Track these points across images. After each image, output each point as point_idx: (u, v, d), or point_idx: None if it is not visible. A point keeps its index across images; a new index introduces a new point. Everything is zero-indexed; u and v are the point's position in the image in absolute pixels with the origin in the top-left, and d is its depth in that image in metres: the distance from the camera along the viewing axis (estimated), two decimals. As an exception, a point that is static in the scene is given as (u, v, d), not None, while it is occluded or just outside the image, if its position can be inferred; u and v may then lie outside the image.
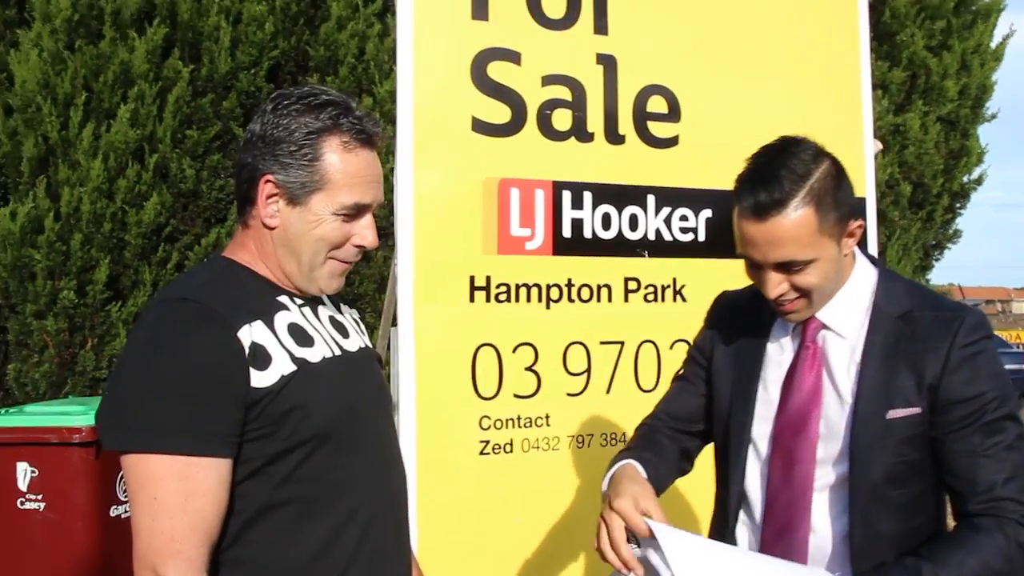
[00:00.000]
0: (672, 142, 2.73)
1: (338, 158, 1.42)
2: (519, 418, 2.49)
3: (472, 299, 2.45)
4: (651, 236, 2.69)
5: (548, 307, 2.55)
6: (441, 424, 2.39)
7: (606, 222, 2.64)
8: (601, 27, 2.65)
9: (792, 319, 1.62)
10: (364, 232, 1.47)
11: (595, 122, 2.62)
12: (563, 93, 2.59)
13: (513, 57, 2.53)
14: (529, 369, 2.51)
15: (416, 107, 2.41)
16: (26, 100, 4.59)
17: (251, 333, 1.36)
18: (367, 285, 5.38)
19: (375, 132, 1.47)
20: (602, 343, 2.61)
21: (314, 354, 1.44)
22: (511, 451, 2.47)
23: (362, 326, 1.67)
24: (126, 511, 3.61)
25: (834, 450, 1.60)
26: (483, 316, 2.46)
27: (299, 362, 1.40)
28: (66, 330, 4.65)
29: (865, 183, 3.02)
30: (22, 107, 4.62)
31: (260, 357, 1.35)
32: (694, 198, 2.74)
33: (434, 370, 2.39)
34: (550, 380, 2.53)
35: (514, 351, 2.50)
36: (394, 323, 2.44)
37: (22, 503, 3.46)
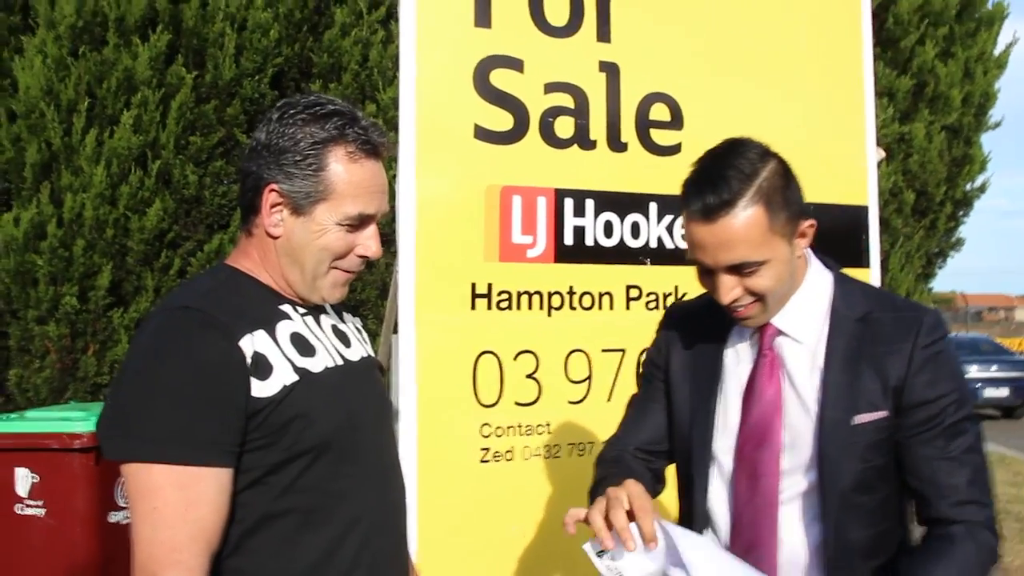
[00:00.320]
0: (675, 150, 2.72)
1: (343, 168, 1.42)
2: (520, 426, 2.49)
3: (473, 306, 2.45)
4: (653, 244, 2.69)
5: (549, 315, 2.54)
6: (442, 431, 2.38)
7: (608, 230, 2.63)
8: (604, 35, 2.65)
9: (748, 324, 1.59)
10: (368, 242, 1.46)
11: (597, 130, 2.62)
12: (566, 101, 2.59)
13: (516, 64, 2.53)
14: (530, 377, 2.51)
15: (418, 114, 2.41)
16: (30, 106, 4.61)
17: (253, 342, 1.36)
18: (369, 292, 5.38)
19: (380, 142, 1.46)
20: (603, 351, 2.61)
21: (316, 364, 1.43)
22: (512, 459, 2.47)
23: (364, 335, 1.67)
24: (125, 517, 3.60)
25: (801, 459, 1.57)
26: (484, 323, 2.46)
27: (301, 372, 1.40)
28: (68, 336, 4.65)
29: (868, 191, 3.02)
30: (26, 113, 4.63)
31: (261, 367, 1.35)
32: (696, 206, 2.73)
33: (435, 377, 2.38)
34: (551, 388, 2.53)
35: (515, 359, 2.49)
36: (395, 330, 2.43)
37: (21, 509, 3.46)
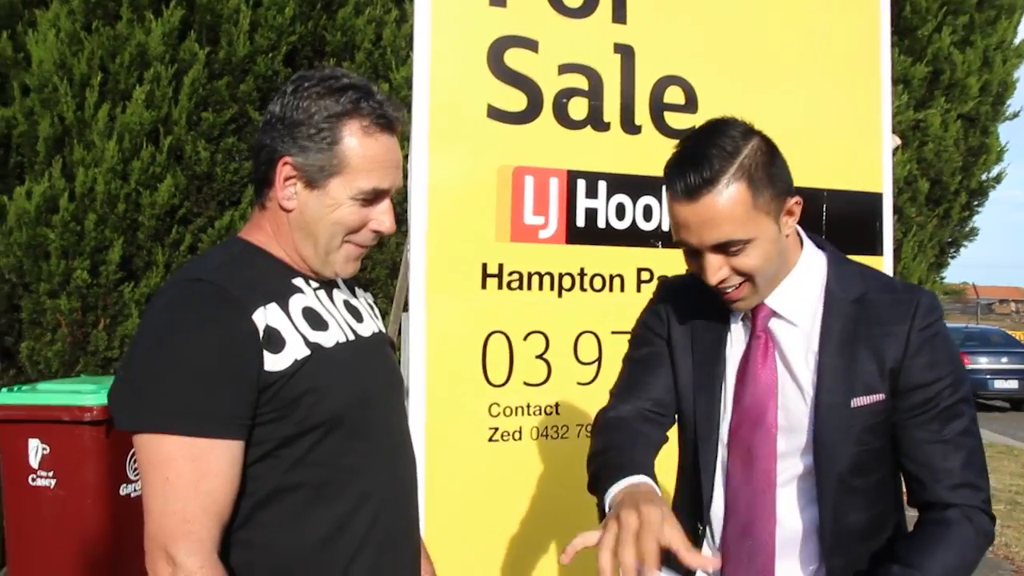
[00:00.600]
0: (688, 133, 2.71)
1: (357, 142, 1.41)
2: (528, 406, 2.49)
3: (484, 286, 2.45)
4: (665, 227, 2.68)
5: (560, 296, 2.54)
6: (451, 410, 2.39)
7: (620, 212, 2.63)
8: (620, 16, 2.63)
9: (739, 307, 1.56)
10: (382, 217, 1.45)
11: (611, 112, 2.61)
12: (580, 82, 2.57)
13: (530, 45, 2.52)
14: (540, 357, 2.51)
15: (432, 93, 2.40)
16: (43, 80, 4.60)
17: (266, 316, 1.36)
18: (379, 270, 5.38)
19: (395, 117, 1.45)
20: (613, 333, 2.61)
21: (328, 338, 1.43)
22: (520, 438, 2.48)
23: (376, 311, 1.67)
24: (136, 490, 3.63)
25: (797, 442, 1.56)
26: (495, 303, 2.46)
27: (313, 346, 1.40)
28: (79, 309, 4.67)
29: (883, 178, 3.00)
30: (39, 87, 4.62)
31: (274, 340, 1.35)
32: (709, 190, 2.72)
33: (445, 356, 2.39)
34: (560, 369, 2.53)
35: (525, 339, 2.49)
36: (405, 308, 2.44)
37: (33, 480, 3.49)
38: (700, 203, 1.44)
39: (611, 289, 2.61)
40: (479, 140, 2.46)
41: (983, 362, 13.83)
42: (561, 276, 2.55)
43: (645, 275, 2.66)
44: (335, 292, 1.54)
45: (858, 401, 1.52)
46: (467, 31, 2.45)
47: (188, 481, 1.27)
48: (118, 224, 4.68)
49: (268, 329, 1.35)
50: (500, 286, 2.47)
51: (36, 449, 3.50)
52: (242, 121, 5.08)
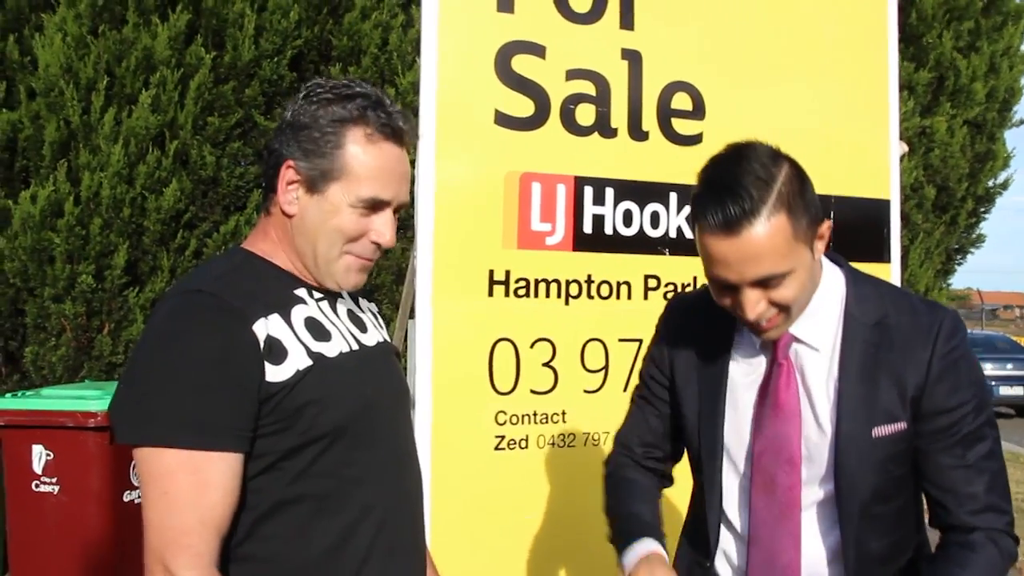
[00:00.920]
0: (696, 140, 2.70)
1: (360, 149, 1.40)
2: (535, 414, 2.48)
3: (491, 293, 2.44)
4: (672, 234, 2.67)
5: (567, 303, 2.53)
6: (457, 418, 2.38)
7: (627, 219, 2.61)
8: (627, 22, 2.62)
9: (770, 337, 1.50)
10: (382, 229, 1.42)
11: (619, 118, 2.60)
12: (587, 88, 2.57)
13: (538, 50, 2.51)
14: (546, 365, 2.50)
15: (439, 99, 2.39)
16: (49, 84, 4.61)
17: (267, 327, 1.34)
18: (384, 276, 5.37)
19: (403, 128, 1.44)
20: (620, 340, 2.59)
21: (331, 348, 1.42)
22: (526, 447, 2.46)
23: (380, 321, 1.65)
24: (139, 497, 3.61)
25: (818, 471, 1.53)
26: (501, 310, 2.44)
27: (315, 356, 1.38)
28: (84, 314, 4.67)
29: (890, 185, 2.98)
30: (45, 91, 4.63)
31: (276, 351, 1.34)
32: (717, 197, 2.71)
33: (451, 363, 2.38)
34: (567, 376, 2.52)
35: (532, 346, 2.48)
36: (412, 315, 2.43)
37: (36, 486, 3.48)
38: (741, 237, 1.36)
39: (618, 296, 2.60)
40: (486, 146, 2.45)
41: (988, 368, 13.75)
42: (568, 283, 2.53)
43: (652, 282, 2.65)
44: (339, 303, 1.52)
45: (880, 431, 1.49)
46: (474, 36, 2.44)
47: (187, 494, 1.26)
48: (123, 228, 4.68)
49: (269, 339, 1.33)
50: (507, 293, 2.46)
51: (40, 455, 3.49)
52: (247, 126, 5.08)
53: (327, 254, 1.42)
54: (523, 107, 2.48)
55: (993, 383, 13.68)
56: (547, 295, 2.51)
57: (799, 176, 1.44)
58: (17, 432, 3.49)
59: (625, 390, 2.59)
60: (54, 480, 3.52)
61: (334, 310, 1.50)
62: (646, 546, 1.55)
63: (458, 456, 2.38)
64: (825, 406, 1.52)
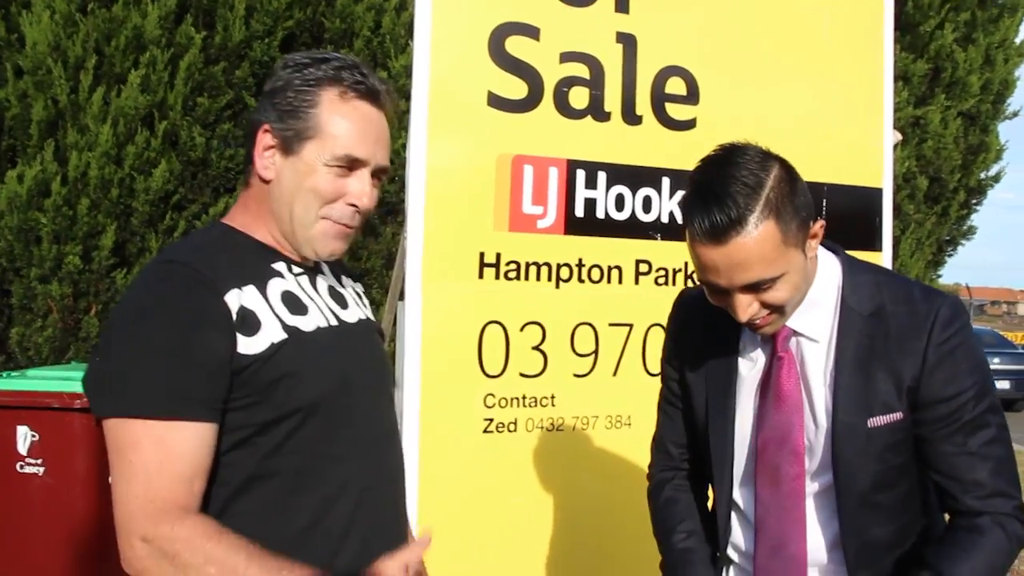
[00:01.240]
0: (689, 124, 2.68)
1: (334, 108, 1.38)
2: (524, 397, 2.46)
3: (481, 276, 2.42)
4: (664, 219, 2.65)
5: (558, 286, 2.51)
6: (445, 400, 2.36)
7: (619, 203, 2.60)
8: (622, 5, 2.59)
9: (765, 332, 1.52)
10: (358, 190, 1.41)
11: (612, 101, 2.58)
12: (581, 71, 2.54)
13: (532, 32, 2.48)
14: (536, 348, 2.48)
15: (432, 79, 2.37)
16: (36, 62, 4.55)
17: (240, 298, 1.32)
18: (374, 260, 5.35)
19: (379, 88, 1.42)
20: (611, 325, 2.58)
21: (307, 323, 1.39)
22: (515, 430, 2.45)
23: (364, 299, 1.63)
24: (126, 478, 3.59)
25: (817, 462, 1.54)
26: (491, 293, 2.43)
27: (290, 330, 1.36)
28: (70, 295, 4.63)
29: (883, 174, 2.97)
30: (32, 69, 4.57)
31: (249, 323, 1.31)
32: (710, 182, 2.69)
33: (440, 346, 2.36)
34: (557, 360, 2.50)
35: (522, 330, 2.46)
36: (401, 297, 2.41)
37: (22, 467, 3.45)
38: (728, 246, 1.37)
39: (609, 281, 2.58)
40: (478, 128, 2.42)
41: (976, 363, 13.81)
42: (559, 267, 2.52)
43: (643, 267, 2.63)
44: (319, 278, 1.50)
45: (875, 421, 1.49)
46: (468, 17, 2.41)
47: (153, 463, 1.23)
48: (111, 209, 4.64)
49: (242, 311, 1.31)
50: (497, 276, 2.44)
51: (25, 436, 3.46)
52: (238, 107, 5.03)
53: (303, 217, 1.40)
54: (516, 89, 2.46)
55: (980, 377, 13.71)
56: (538, 278, 2.49)
57: (789, 179, 1.43)
58: (2, 413, 3.46)
59: (615, 375, 2.59)
60: (39, 462, 3.49)
61: (313, 285, 1.47)
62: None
63: (447, 439, 2.37)
64: (822, 397, 1.52)
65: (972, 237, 6.68)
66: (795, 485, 1.54)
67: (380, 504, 1.44)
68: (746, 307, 1.43)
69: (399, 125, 5.12)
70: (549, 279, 2.50)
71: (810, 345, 1.54)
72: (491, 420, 2.42)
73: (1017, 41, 6.55)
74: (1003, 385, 14.01)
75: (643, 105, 2.62)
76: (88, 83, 4.57)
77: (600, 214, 2.57)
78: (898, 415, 1.49)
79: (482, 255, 2.42)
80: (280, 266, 1.43)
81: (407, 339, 2.33)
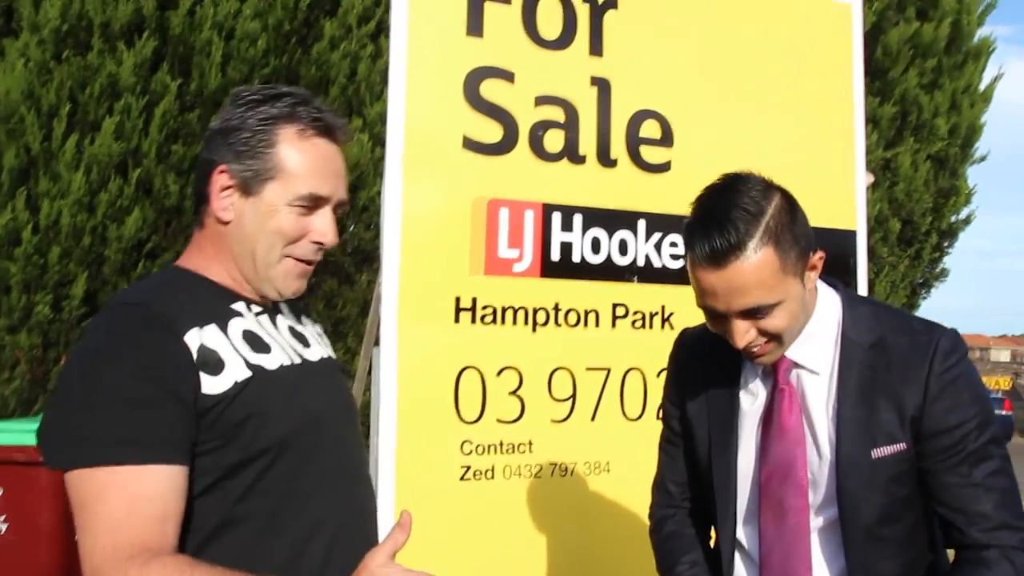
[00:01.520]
0: (664, 167, 2.69)
1: (294, 146, 1.37)
2: (502, 444, 2.42)
3: (457, 320, 2.39)
4: (640, 262, 2.64)
5: (534, 331, 2.49)
6: (422, 447, 2.32)
7: (595, 246, 2.59)
8: (596, 49, 2.62)
9: (762, 363, 1.54)
10: (322, 227, 1.40)
11: (587, 144, 2.59)
12: (556, 114, 2.55)
13: (507, 76, 2.49)
14: (513, 394, 2.45)
15: (407, 123, 2.36)
16: (9, 110, 4.52)
17: (201, 337, 1.28)
18: (350, 308, 5.31)
19: (335, 124, 1.41)
20: (588, 369, 2.55)
21: (271, 361, 1.36)
22: (492, 477, 2.40)
23: (325, 339, 1.60)
24: (93, 532, 3.49)
25: (821, 495, 1.53)
26: (468, 338, 2.40)
27: (255, 368, 1.32)
28: (40, 346, 4.55)
29: (857, 217, 2.99)
30: (5, 117, 4.54)
31: (211, 363, 1.28)
32: (685, 225, 2.70)
33: (416, 392, 2.32)
34: (534, 405, 2.47)
35: (498, 375, 2.43)
36: (376, 343, 2.37)
37: (-15, 523, 3.35)
38: (727, 270, 1.39)
39: (586, 324, 2.56)
40: (454, 171, 2.42)
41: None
42: (535, 311, 2.49)
43: (620, 310, 2.61)
44: (279, 318, 1.48)
45: (879, 452, 1.49)
46: (443, 61, 2.42)
47: (120, 512, 1.17)
48: (83, 258, 4.59)
49: (204, 350, 1.28)
50: (473, 320, 2.41)
51: (-12, 491, 3.36)
52: (213, 155, 5.01)
53: (266, 258, 1.38)
54: (491, 132, 2.46)
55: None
56: (514, 322, 2.46)
57: (790, 208, 1.46)
58: (-35, 467, 3.36)
59: (593, 419, 2.55)
60: (3, 518, 3.39)
61: (274, 324, 1.45)
62: None
63: (423, 486, 2.31)
64: (824, 429, 1.52)
65: (945, 279, 6.76)
66: (800, 519, 1.53)
67: (354, 542, 1.39)
68: (743, 333, 1.45)
69: (375, 172, 5.13)
70: (526, 323, 2.48)
71: (811, 377, 1.55)
72: (468, 467, 2.38)
73: (981, 87, 6.70)
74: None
75: (618, 148, 2.63)
76: (61, 131, 4.55)
77: (576, 257, 2.56)
78: (901, 445, 1.49)
79: (458, 299, 2.39)
80: (239, 306, 1.40)
81: (382, 385, 2.29)
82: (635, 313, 2.63)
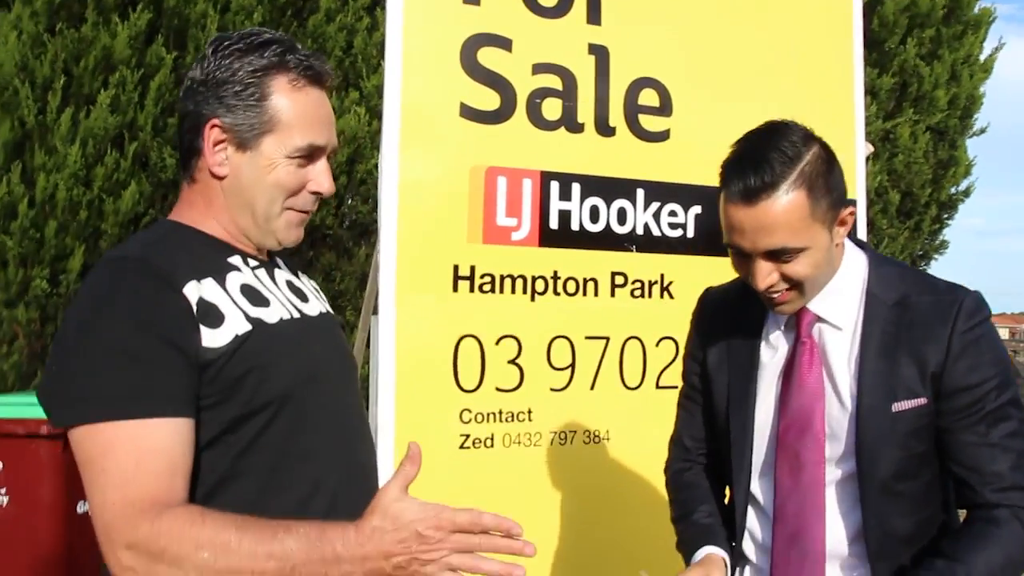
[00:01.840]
0: (663, 136, 2.68)
1: (287, 97, 1.35)
2: (501, 412, 2.42)
3: (455, 289, 2.38)
4: (639, 231, 2.64)
5: (533, 299, 2.48)
6: (421, 416, 2.32)
7: (594, 215, 2.58)
8: (594, 17, 2.60)
9: (782, 311, 1.55)
10: (320, 178, 1.39)
11: (585, 113, 2.57)
12: (554, 82, 2.53)
13: (504, 44, 2.47)
14: (512, 362, 2.45)
15: (404, 91, 2.35)
16: (3, 83, 4.48)
17: (199, 290, 1.27)
18: (348, 282, 5.30)
19: (323, 70, 1.40)
20: (587, 338, 2.55)
21: (270, 315, 1.35)
22: (492, 446, 2.41)
23: (322, 294, 1.59)
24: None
25: (838, 448, 1.54)
26: (466, 307, 2.39)
27: (255, 321, 1.31)
28: (37, 320, 4.54)
29: (857, 188, 2.98)
30: (-1, 90, 4.51)
31: (211, 315, 1.26)
32: (684, 193, 2.69)
33: (415, 360, 2.32)
34: (533, 374, 2.47)
35: (497, 343, 2.43)
36: (375, 312, 2.37)
37: (-15, 495, 3.36)
38: (757, 207, 1.42)
39: (584, 293, 2.56)
40: (451, 140, 2.40)
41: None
42: (534, 279, 2.49)
43: (619, 279, 2.61)
44: (276, 272, 1.46)
45: (900, 405, 1.50)
46: (440, 29, 2.40)
47: (128, 467, 1.16)
48: (80, 232, 4.57)
49: (203, 303, 1.26)
50: (472, 289, 2.40)
51: (-12, 463, 3.38)
52: (209, 128, 4.98)
53: (268, 211, 1.37)
54: (489, 100, 2.44)
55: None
56: (513, 291, 2.46)
57: (827, 160, 1.48)
58: (-35, 440, 3.37)
59: (592, 388, 2.56)
60: (3, 491, 3.40)
61: (272, 278, 1.43)
62: (704, 552, 1.62)
63: (423, 455, 2.31)
64: (846, 383, 1.54)
65: (945, 251, 6.75)
66: (816, 472, 1.54)
67: (355, 500, 1.38)
68: (765, 275, 1.47)
69: (372, 145, 5.10)
70: (524, 292, 2.48)
71: (834, 332, 1.56)
72: (467, 436, 2.38)
73: (982, 58, 6.66)
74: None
75: (616, 117, 2.61)
76: (56, 104, 4.51)
77: (575, 226, 2.55)
78: (922, 400, 1.50)
79: (456, 268, 2.39)
80: (236, 260, 1.38)
81: (381, 354, 2.29)
82: (634, 282, 2.63)
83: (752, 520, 1.66)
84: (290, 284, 1.48)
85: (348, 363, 1.52)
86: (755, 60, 2.81)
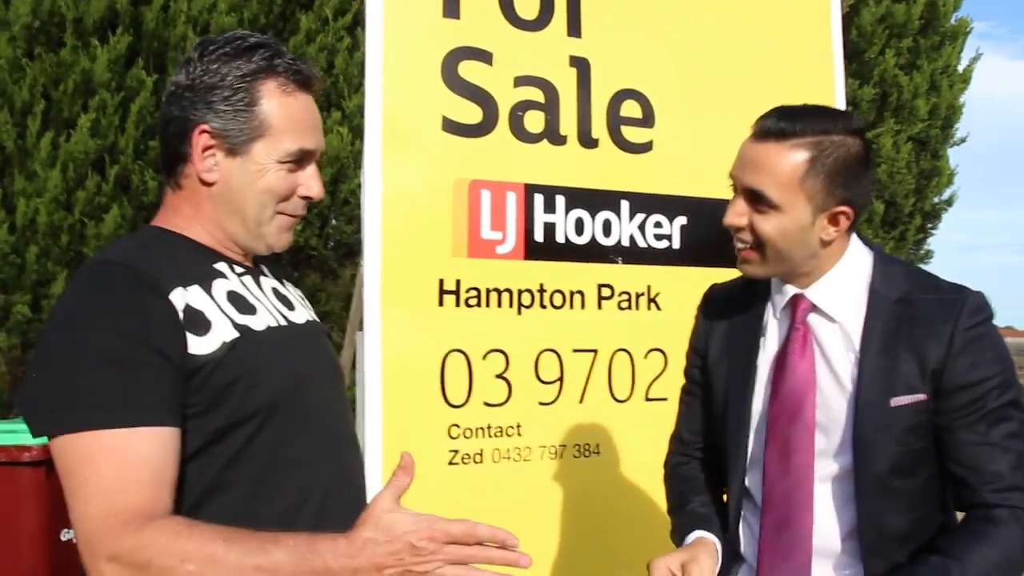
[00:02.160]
0: (646, 147, 2.68)
1: (277, 102, 1.33)
2: (489, 427, 2.40)
3: (441, 303, 2.36)
4: (625, 242, 2.63)
5: (519, 313, 2.47)
6: (409, 432, 2.29)
7: (579, 227, 2.57)
8: (574, 29, 2.59)
9: (745, 270, 1.58)
10: (310, 182, 1.38)
11: (568, 125, 2.56)
12: (535, 95, 2.53)
13: (485, 57, 2.47)
14: (500, 377, 2.43)
15: (385, 105, 2.33)
16: (-18, 109, 4.47)
17: (185, 297, 1.25)
18: (333, 303, 5.28)
19: (312, 75, 1.39)
20: (575, 351, 2.53)
21: (257, 322, 1.33)
22: (481, 461, 2.38)
23: (307, 302, 1.57)
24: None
25: (835, 441, 1.53)
26: (452, 321, 2.37)
27: (242, 329, 1.29)
28: (19, 346, 4.50)
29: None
30: (-22, 116, 4.49)
31: (197, 322, 1.24)
32: (668, 205, 2.69)
33: (402, 376, 2.29)
34: (521, 388, 2.45)
35: (484, 358, 2.41)
36: (361, 327, 2.34)
37: (-33, 524, 3.31)
38: (760, 146, 1.48)
39: (571, 306, 2.54)
40: (434, 153, 2.39)
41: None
42: (520, 292, 2.47)
43: (606, 291, 2.60)
44: (262, 279, 1.44)
45: (898, 400, 1.49)
46: (420, 43, 2.39)
47: (110, 477, 1.13)
48: (61, 256, 4.54)
49: (189, 310, 1.24)
50: (458, 303, 2.38)
51: (-31, 491, 3.32)
52: (191, 150, 4.97)
53: (259, 216, 1.35)
54: (471, 114, 2.43)
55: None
56: (499, 305, 2.44)
57: (856, 159, 1.48)
58: (-55, 468, 3.31)
59: (581, 402, 2.54)
60: (-15, 519, 3.34)
61: (258, 285, 1.41)
62: (695, 535, 1.62)
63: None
64: (845, 377, 1.53)
65: (930, 260, 6.79)
66: (805, 460, 1.53)
67: (343, 510, 1.35)
68: (737, 213, 1.51)
69: (355, 164, 5.09)
70: (511, 305, 2.46)
71: (829, 325, 1.56)
72: (456, 451, 2.36)
73: (960, 68, 6.73)
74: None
75: (599, 128, 2.61)
76: (36, 128, 4.49)
77: (560, 238, 2.54)
78: (921, 396, 1.49)
79: (441, 282, 2.37)
80: (222, 266, 1.36)
81: (367, 370, 2.27)
82: (621, 294, 2.62)
83: (748, 509, 1.65)
84: (276, 291, 1.46)
85: (335, 370, 1.50)
86: (736, 71, 2.82)
